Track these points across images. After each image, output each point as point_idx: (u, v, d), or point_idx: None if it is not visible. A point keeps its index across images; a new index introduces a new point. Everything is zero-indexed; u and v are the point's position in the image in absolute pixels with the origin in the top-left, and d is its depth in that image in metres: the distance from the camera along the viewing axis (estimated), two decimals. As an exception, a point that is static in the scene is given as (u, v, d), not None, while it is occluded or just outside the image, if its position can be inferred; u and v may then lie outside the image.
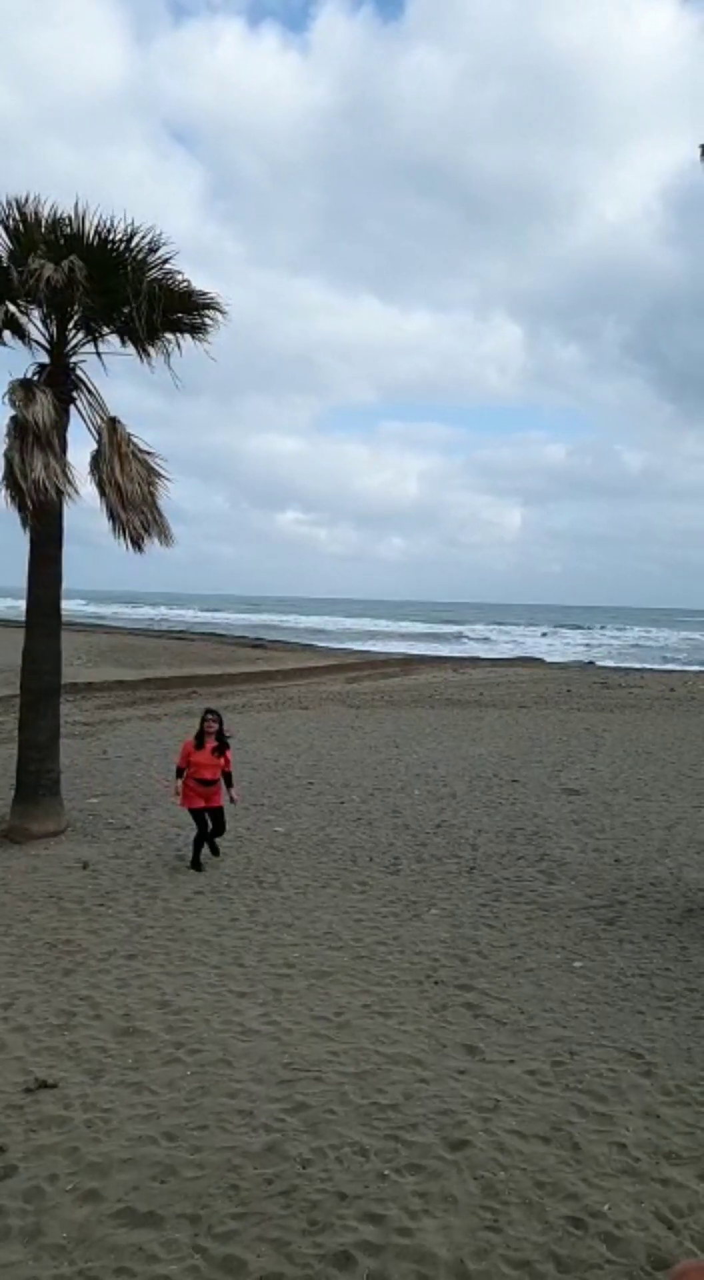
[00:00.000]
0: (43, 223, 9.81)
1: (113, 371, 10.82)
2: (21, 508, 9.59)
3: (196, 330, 10.73)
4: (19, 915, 7.74)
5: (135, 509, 10.17)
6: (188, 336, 10.77)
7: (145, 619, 76.08)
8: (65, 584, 10.81)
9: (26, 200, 9.77)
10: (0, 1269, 3.63)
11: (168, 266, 10.04)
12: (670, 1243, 3.81)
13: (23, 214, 9.78)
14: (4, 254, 9.97)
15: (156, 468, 10.61)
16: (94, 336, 10.57)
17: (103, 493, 10.20)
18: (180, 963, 6.80)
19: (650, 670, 41.11)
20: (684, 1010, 6.17)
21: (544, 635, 74.21)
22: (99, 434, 10.33)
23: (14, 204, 9.74)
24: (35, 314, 10.30)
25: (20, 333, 10.35)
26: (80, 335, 10.53)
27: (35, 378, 10.14)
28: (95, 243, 9.87)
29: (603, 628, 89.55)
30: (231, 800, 9.52)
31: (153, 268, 9.99)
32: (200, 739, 9.22)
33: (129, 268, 9.88)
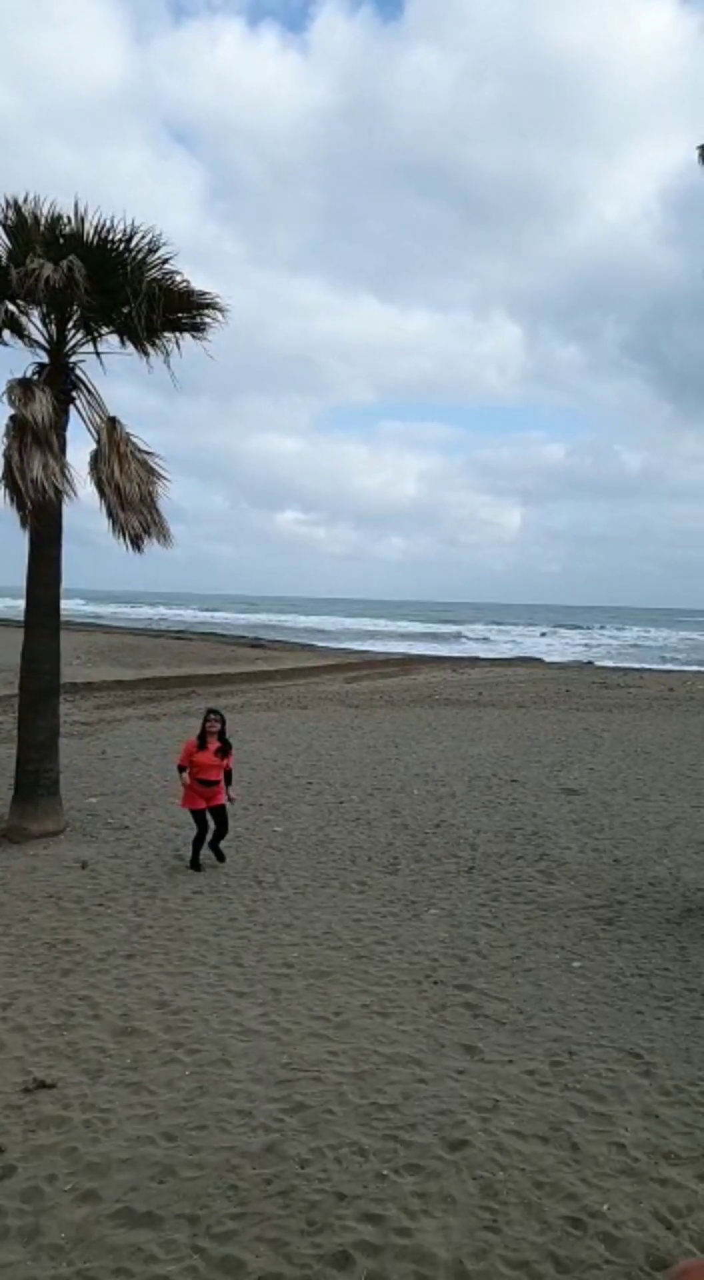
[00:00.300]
0: (41, 222, 9.81)
1: (112, 371, 10.83)
2: (20, 507, 9.58)
3: (196, 330, 10.72)
4: (18, 915, 7.73)
5: (134, 509, 10.17)
6: (187, 336, 10.76)
7: (144, 619, 76.08)
8: (64, 583, 10.79)
9: (25, 200, 9.77)
10: (-1, 1269, 3.63)
11: (167, 266, 10.04)
12: (669, 1243, 3.81)
13: (20, 214, 9.77)
14: (3, 253, 9.97)
15: (156, 468, 10.62)
16: (93, 336, 10.56)
17: (102, 493, 10.19)
18: (179, 963, 6.80)
19: (649, 670, 41.10)
20: (683, 1010, 6.18)
21: (543, 635, 74.23)
22: (98, 434, 10.32)
23: (12, 204, 9.73)
24: (35, 314, 10.30)
25: (20, 332, 10.35)
26: (80, 335, 10.53)
27: (34, 377, 10.14)
28: (94, 243, 9.86)
29: (602, 627, 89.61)
30: (230, 800, 9.52)
31: (152, 268, 9.98)
32: (203, 739, 9.19)
33: (128, 268, 9.87)
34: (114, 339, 10.66)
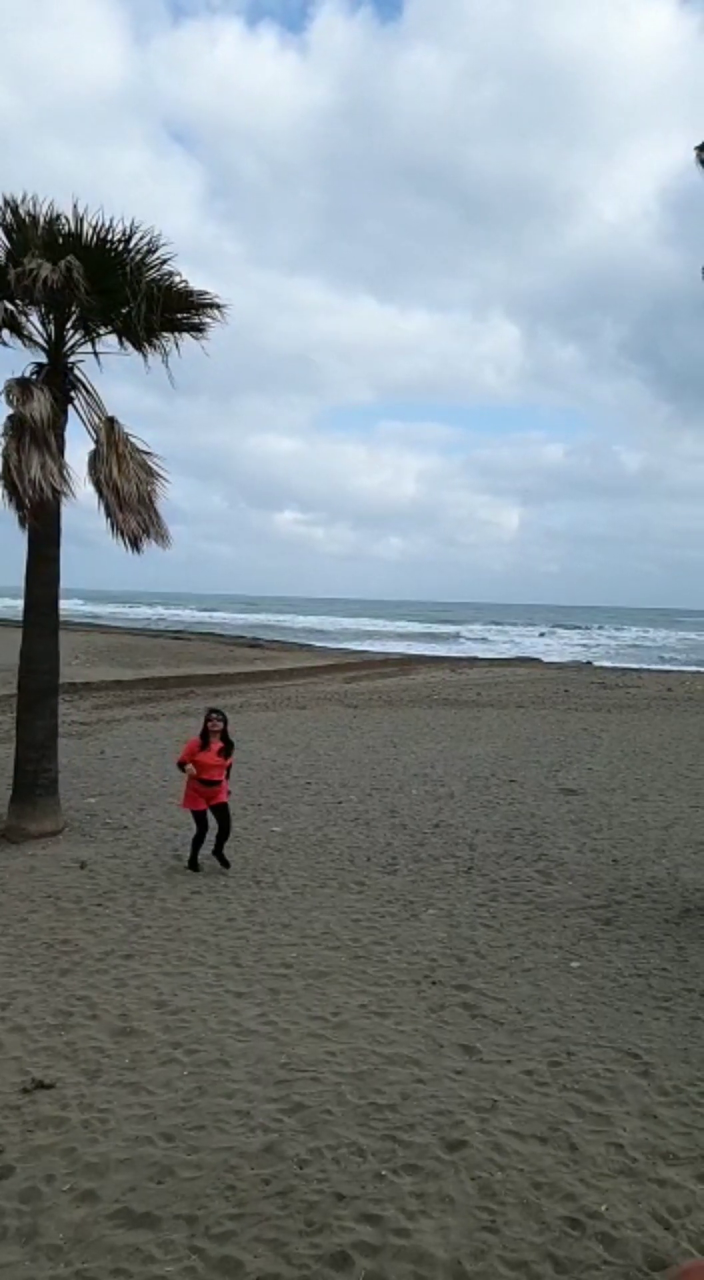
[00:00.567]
0: (39, 222, 9.80)
1: (110, 370, 10.83)
2: (19, 507, 9.58)
3: (195, 330, 10.72)
4: (16, 915, 7.73)
5: (132, 509, 10.16)
6: (186, 336, 10.76)
7: (143, 619, 76.05)
8: (63, 583, 10.79)
9: (23, 200, 9.76)
10: (-3, 1270, 3.63)
11: (166, 267, 10.04)
12: (667, 1243, 3.81)
13: (17, 214, 9.76)
14: (1, 254, 9.96)
15: (154, 468, 10.61)
16: (92, 336, 10.56)
17: (100, 493, 10.19)
18: (178, 963, 6.80)
19: (648, 670, 41.12)
20: (681, 1010, 6.18)
21: (542, 635, 74.26)
22: (97, 434, 10.32)
23: (9, 204, 9.72)
24: (34, 314, 10.29)
25: (19, 332, 10.34)
26: (78, 335, 10.52)
27: (33, 377, 10.13)
28: (93, 243, 9.84)
29: (601, 628, 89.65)
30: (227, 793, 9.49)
31: (151, 268, 9.97)
32: (205, 738, 9.16)
33: (127, 268, 9.86)
34: (113, 339, 10.66)
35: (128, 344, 10.65)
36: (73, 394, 10.46)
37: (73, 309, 10.09)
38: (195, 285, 10.32)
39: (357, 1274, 3.63)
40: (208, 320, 10.62)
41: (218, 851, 9.31)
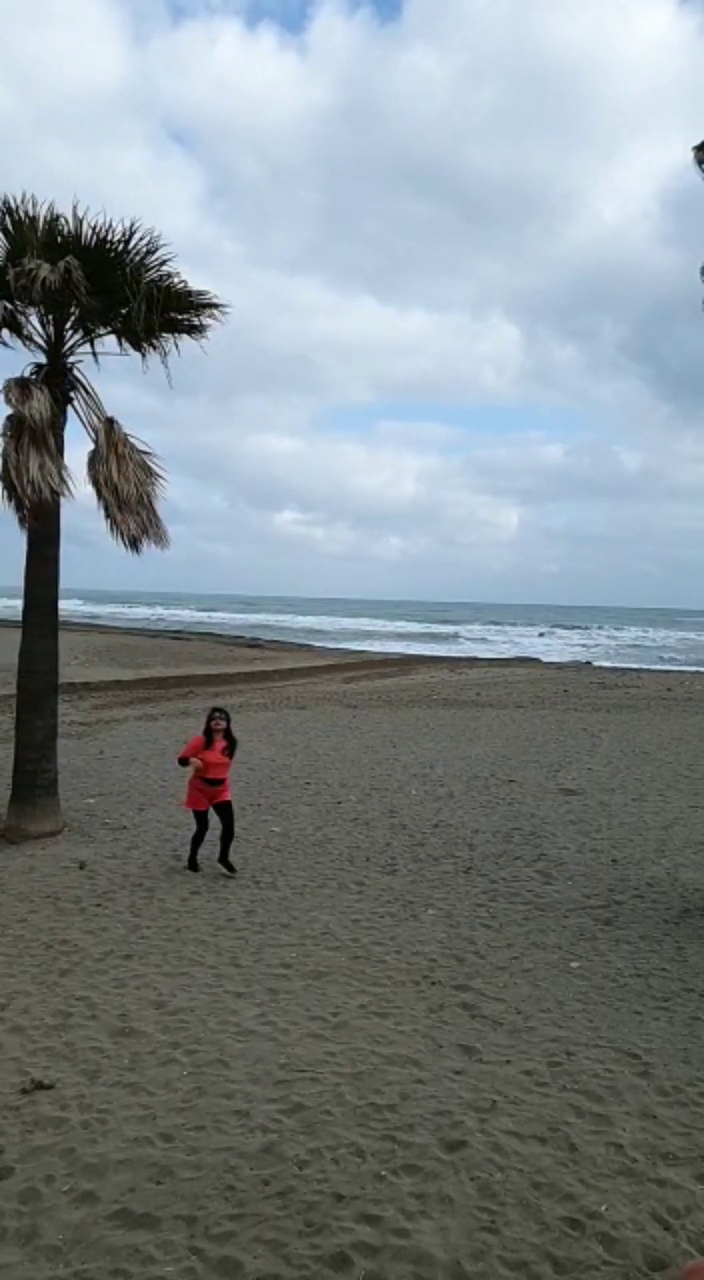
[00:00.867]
0: (38, 223, 9.79)
1: (109, 371, 10.83)
2: (18, 507, 9.57)
3: (195, 330, 10.72)
4: (16, 915, 7.72)
5: (131, 510, 10.16)
6: (186, 336, 10.76)
7: (142, 619, 76.07)
8: (62, 583, 10.79)
9: (21, 200, 9.75)
10: (-4, 1271, 3.62)
11: (166, 267, 10.03)
12: (667, 1244, 3.81)
13: (15, 215, 9.75)
14: (1, 254, 9.96)
15: (154, 468, 10.61)
16: (91, 337, 10.55)
17: (99, 493, 10.18)
18: (177, 963, 6.79)
19: (648, 670, 41.14)
20: (681, 1010, 6.18)
21: (541, 635, 74.28)
22: (96, 434, 10.32)
23: (7, 205, 9.71)
24: (33, 314, 10.28)
25: (19, 332, 10.34)
26: (78, 336, 10.52)
27: (33, 377, 10.13)
28: (92, 243, 9.84)
29: (600, 628, 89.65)
30: None
31: (151, 268, 9.97)
32: (209, 737, 9.12)
33: (127, 268, 9.86)
34: (112, 339, 10.66)
35: (127, 344, 10.65)
36: (72, 394, 10.46)
37: (72, 309, 10.09)
38: (195, 285, 10.33)
39: (356, 1274, 3.63)
40: (207, 320, 10.62)
41: (224, 859, 9.18)
